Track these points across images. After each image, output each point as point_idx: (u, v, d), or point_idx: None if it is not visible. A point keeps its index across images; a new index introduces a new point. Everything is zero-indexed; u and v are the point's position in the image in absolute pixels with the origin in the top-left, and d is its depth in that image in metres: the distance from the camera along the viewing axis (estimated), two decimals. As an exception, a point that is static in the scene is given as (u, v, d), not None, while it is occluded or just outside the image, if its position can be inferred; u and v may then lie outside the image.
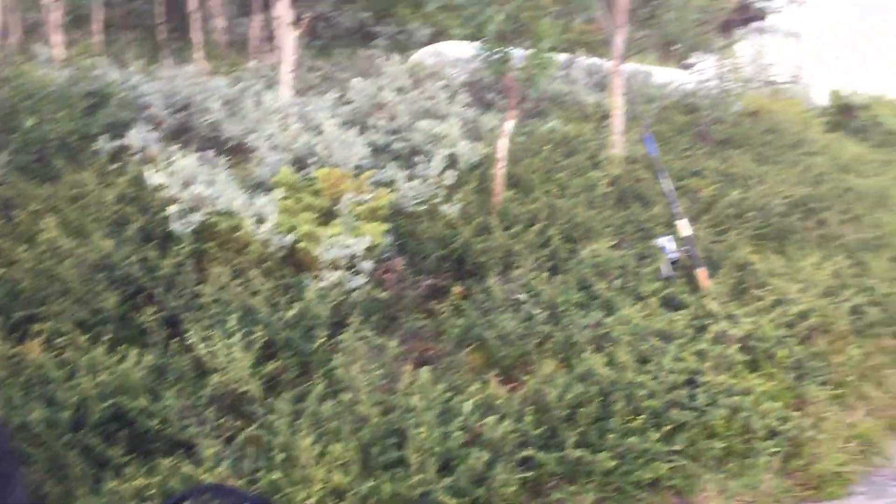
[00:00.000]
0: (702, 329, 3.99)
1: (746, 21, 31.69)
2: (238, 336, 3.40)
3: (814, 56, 24.38)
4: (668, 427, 3.31)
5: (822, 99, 9.48)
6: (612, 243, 4.81)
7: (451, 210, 4.92)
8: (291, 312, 3.75)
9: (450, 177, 5.15)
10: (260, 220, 4.26)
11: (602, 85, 8.06)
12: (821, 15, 31.66)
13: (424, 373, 3.41)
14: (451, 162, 5.58)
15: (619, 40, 6.27)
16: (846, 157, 7.09)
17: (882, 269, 5.05)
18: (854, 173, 6.75)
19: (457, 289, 4.43)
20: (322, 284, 4.05)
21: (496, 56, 4.80)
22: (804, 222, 5.72)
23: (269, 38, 9.54)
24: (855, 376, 3.99)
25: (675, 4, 6.54)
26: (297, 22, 6.90)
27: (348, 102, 6.43)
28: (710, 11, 8.20)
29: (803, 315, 4.19)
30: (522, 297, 4.22)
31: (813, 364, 3.94)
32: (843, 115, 8.96)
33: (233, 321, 3.48)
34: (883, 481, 3.51)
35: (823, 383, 3.85)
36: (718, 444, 3.34)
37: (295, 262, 4.28)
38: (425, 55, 8.67)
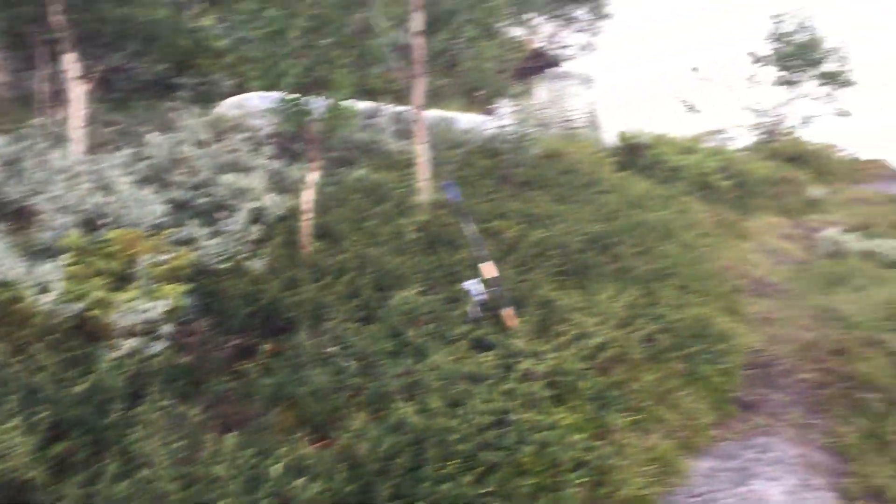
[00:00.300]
0: (509, 368, 4.10)
1: (543, 67, 33.62)
2: (18, 419, 3.11)
3: (606, 99, 26.21)
4: (480, 469, 3.35)
5: (612, 139, 10.17)
6: (422, 289, 4.87)
7: (258, 265, 4.80)
8: (81, 387, 3.48)
9: (255, 231, 5.04)
10: (44, 290, 3.95)
11: (408, 132, 8.22)
12: (612, 61, 34.14)
13: (230, 439, 3.26)
14: (257, 216, 5.46)
15: (419, 89, 6.44)
16: (635, 193, 7.63)
17: (670, 297, 5.44)
18: (643, 208, 7.27)
19: (266, 346, 4.30)
20: (117, 354, 3.81)
21: (294, 108, 4.78)
22: (601, 257, 6.05)
23: (58, 92, 8.98)
24: (651, 401, 4.24)
25: (469, 54, 6.80)
26: (86, 75, 6.55)
27: (146, 158, 6.16)
28: (504, 60, 8.62)
29: (602, 347, 4.42)
30: (333, 350, 4.16)
31: (613, 393, 4.15)
32: (632, 155, 9.64)
33: (13, 403, 3.18)
34: (680, 500, 3.72)
35: (623, 411, 4.06)
36: (529, 481, 3.41)
37: (86, 332, 3.99)
38: (229, 107, 8.48)
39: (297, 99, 4.72)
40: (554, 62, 34.33)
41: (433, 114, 8.94)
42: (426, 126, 6.75)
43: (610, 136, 10.37)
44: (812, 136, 13.79)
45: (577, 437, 3.65)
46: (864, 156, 13.60)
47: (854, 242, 7.88)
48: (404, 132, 8.40)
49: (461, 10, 6.05)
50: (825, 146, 12.79)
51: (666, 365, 4.61)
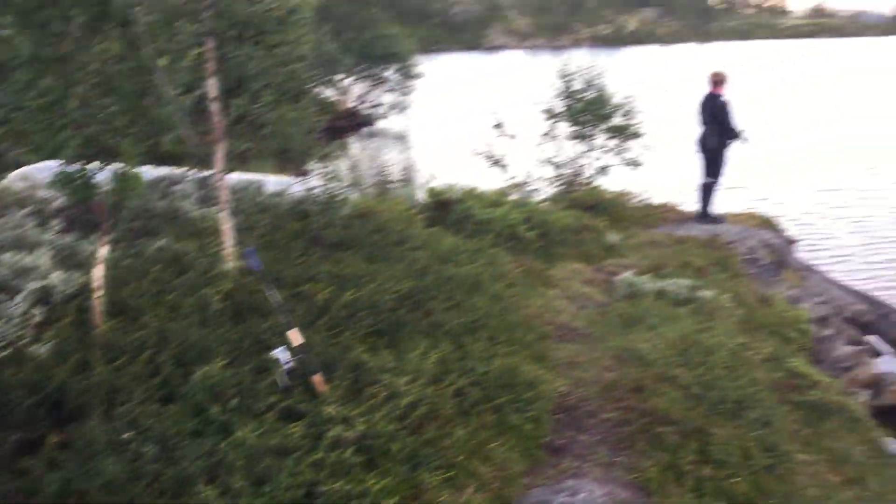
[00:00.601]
0: (319, 437, 4.02)
1: (356, 126, 34.12)
2: None
3: (421, 156, 26.92)
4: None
5: (423, 196, 10.40)
6: (228, 361, 4.70)
7: (42, 350, 4.44)
8: None
9: (40, 313, 4.67)
10: None
11: (212, 199, 8.00)
12: (425, 119, 35.16)
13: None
14: (43, 296, 5.07)
15: (220, 154, 6.29)
16: (445, 248, 7.80)
17: (480, 350, 5.57)
18: (453, 263, 7.44)
19: (53, 438, 3.96)
20: None
21: (77, 179, 4.52)
22: (413, 314, 6.10)
23: None
24: (463, 456, 4.29)
25: (272, 118, 6.76)
26: None
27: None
28: (313, 121, 8.64)
29: (413, 405, 4.43)
30: (129, 435, 3.90)
31: (425, 451, 4.16)
32: (442, 210, 9.89)
33: None
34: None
35: (435, 469, 4.07)
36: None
37: None
38: (14, 179, 7.91)
39: (81, 170, 4.47)
40: (367, 121, 34.97)
41: (240, 177, 8.78)
42: (231, 191, 6.60)
43: (423, 192, 10.60)
44: (608, 184, 14.77)
45: (388, 501, 3.61)
46: (655, 200, 14.62)
47: (647, 284, 8.44)
48: (208, 198, 8.17)
49: (258, 75, 6.01)
50: (620, 193, 13.68)
51: (477, 418, 4.69)
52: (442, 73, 69.31)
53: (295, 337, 4.61)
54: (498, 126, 14.04)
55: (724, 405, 5.60)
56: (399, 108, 33.78)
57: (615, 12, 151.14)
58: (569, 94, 13.47)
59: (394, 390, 4.55)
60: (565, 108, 13.57)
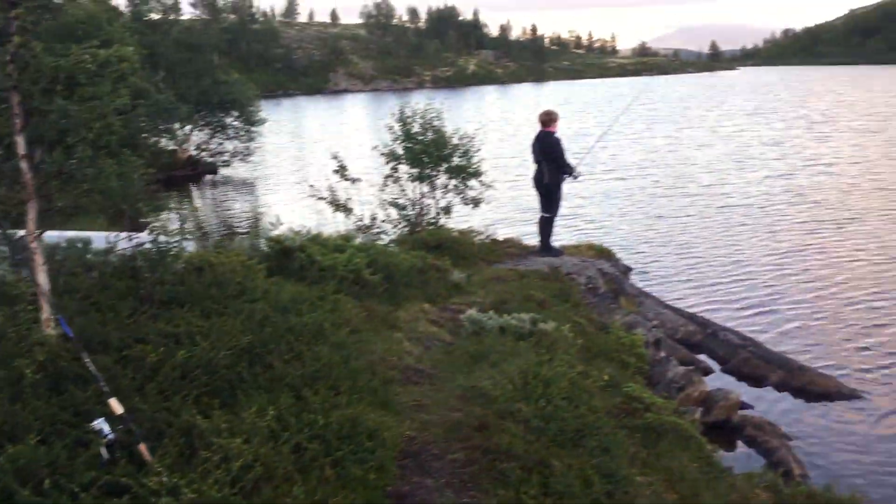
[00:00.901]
0: (143, 512, 3.76)
1: (199, 175, 33.22)
2: None
3: (264, 202, 26.46)
4: None
5: (264, 244, 10.16)
6: (41, 438, 4.34)
7: None
8: None
9: None
10: None
11: (28, 261, 7.46)
12: (271, 164, 34.64)
13: None
14: None
15: (32, 213, 5.90)
16: (285, 298, 7.63)
17: (320, 401, 5.43)
18: (294, 312, 7.27)
19: None
20: None
21: None
22: (251, 369, 5.90)
23: None
24: (303, 515, 4.14)
25: (89, 173, 6.40)
26: None
27: None
28: (136, 175, 8.26)
29: (246, 467, 4.25)
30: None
31: (261, 516, 3.99)
32: (284, 258, 9.70)
33: None
34: None
35: (272, 533, 3.91)
36: None
37: None
38: None
39: None
40: (211, 169, 34.13)
41: (61, 235, 8.26)
42: (52, 250, 6.18)
43: (264, 240, 10.36)
44: (453, 223, 15.05)
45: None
46: (500, 236, 15.00)
47: (491, 320, 8.59)
48: (23, 261, 7.61)
49: (70, 130, 5.70)
50: (464, 232, 13.93)
51: (317, 473, 4.56)
52: (287, 118, 68.80)
53: (115, 406, 4.33)
54: (340, 170, 14.03)
55: (565, 435, 5.74)
56: (242, 154, 33.17)
57: (455, 55, 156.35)
58: (408, 137, 13.67)
59: (227, 453, 4.35)
60: (405, 151, 13.75)
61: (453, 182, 14.10)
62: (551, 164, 12.53)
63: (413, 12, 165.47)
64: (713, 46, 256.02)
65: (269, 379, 5.83)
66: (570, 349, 8.34)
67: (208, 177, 32.19)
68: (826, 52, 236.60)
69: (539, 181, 12.71)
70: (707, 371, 10.42)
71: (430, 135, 13.55)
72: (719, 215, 21.30)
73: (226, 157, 32.60)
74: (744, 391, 9.94)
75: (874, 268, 15.79)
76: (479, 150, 14.05)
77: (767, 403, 9.72)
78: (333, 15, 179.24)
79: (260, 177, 32.47)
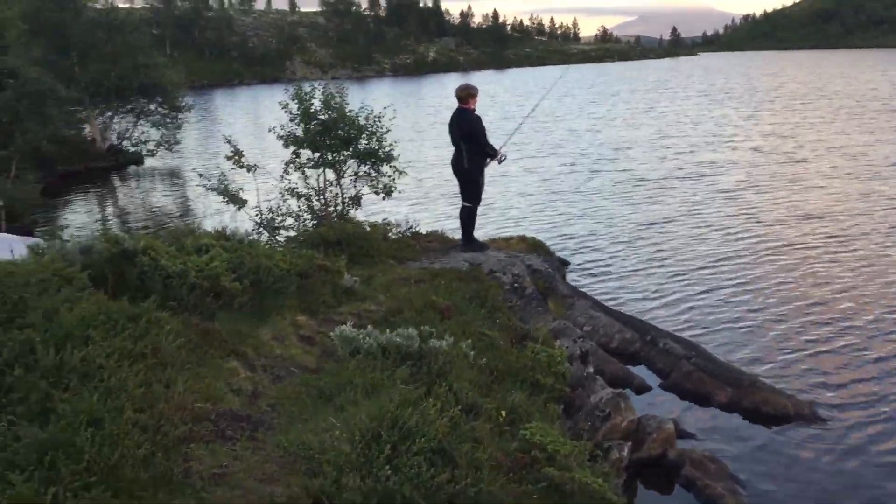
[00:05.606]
0: None
1: (121, 166, 31.00)
2: None
3: (187, 195, 24.36)
4: None
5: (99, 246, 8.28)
6: None
7: None
8: None
9: None
10: None
11: None
12: (202, 155, 32.45)
13: None
14: None
15: None
16: (74, 320, 5.77)
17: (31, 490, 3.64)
18: (79, 341, 5.45)
19: None
20: None
21: None
22: None
23: None
24: None
25: None
26: None
27: None
28: None
29: None
30: None
31: None
32: (124, 264, 7.84)
33: None
34: None
35: None
36: None
37: None
38: None
39: None
40: (135, 159, 31.88)
41: None
42: None
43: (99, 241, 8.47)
44: (376, 216, 13.30)
45: None
46: (424, 229, 13.30)
47: (373, 337, 6.85)
48: None
49: None
50: (377, 225, 12.16)
51: None
52: (242, 106, 66.57)
53: None
54: (235, 155, 12.16)
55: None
56: (169, 143, 30.96)
57: (416, 42, 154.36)
58: (305, 116, 11.83)
59: None
60: (303, 133, 11.92)
61: (363, 169, 12.31)
62: (471, 146, 10.79)
63: (373, 0, 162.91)
64: (674, 32, 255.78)
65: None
66: (463, 374, 6.64)
67: (132, 168, 29.86)
68: (785, 37, 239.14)
69: (458, 166, 10.98)
70: (642, 389, 8.75)
71: (331, 114, 11.70)
72: (672, 206, 19.64)
73: (150, 147, 30.25)
74: (685, 414, 8.29)
75: (837, 266, 14.05)
76: (388, 130, 12.24)
77: (712, 429, 8.05)
78: (292, 3, 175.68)
79: (192, 168, 30.31)
